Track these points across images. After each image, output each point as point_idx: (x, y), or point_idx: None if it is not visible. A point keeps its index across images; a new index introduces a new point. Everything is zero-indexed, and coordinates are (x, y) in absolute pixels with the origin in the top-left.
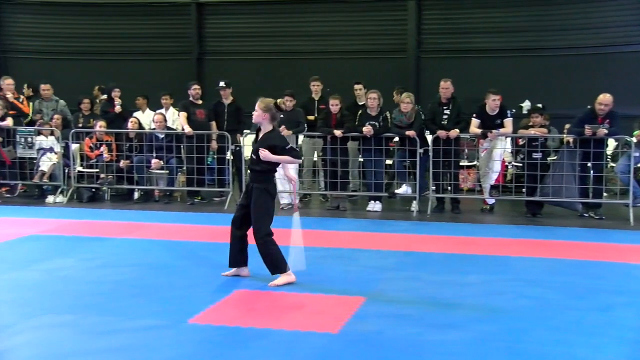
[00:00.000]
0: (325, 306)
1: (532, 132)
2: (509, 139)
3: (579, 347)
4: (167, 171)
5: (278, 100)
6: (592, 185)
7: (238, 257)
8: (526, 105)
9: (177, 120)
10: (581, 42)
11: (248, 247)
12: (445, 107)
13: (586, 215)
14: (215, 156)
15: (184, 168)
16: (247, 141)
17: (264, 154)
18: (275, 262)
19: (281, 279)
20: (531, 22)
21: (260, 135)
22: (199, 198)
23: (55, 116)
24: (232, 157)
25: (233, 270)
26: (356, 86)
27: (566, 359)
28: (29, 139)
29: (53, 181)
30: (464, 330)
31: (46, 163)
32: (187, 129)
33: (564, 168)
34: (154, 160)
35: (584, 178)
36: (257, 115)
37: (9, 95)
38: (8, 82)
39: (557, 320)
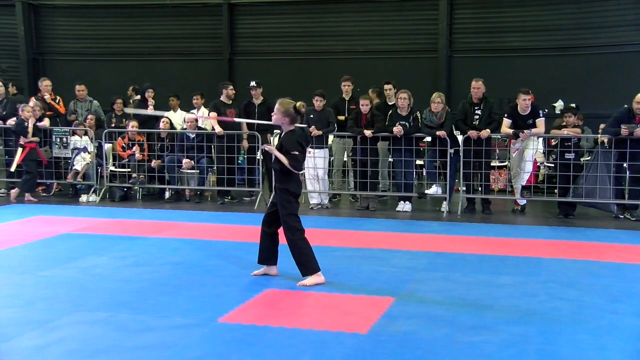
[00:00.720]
0: (354, 306)
1: (565, 132)
2: (541, 139)
3: (615, 351)
4: (198, 171)
5: (297, 104)
6: (628, 187)
7: (266, 254)
8: (559, 105)
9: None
10: (617, 39)
11: (279, 247)
12: (476, 107)
13: (622, 216)
14: (246, 156)
15: (215, 168)
16: (277, 141)
17: (268, 147)
18: (305, 263)
19: (310, 279)
20: (565, 21)
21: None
22: (229, 198)
23: (89, 116)
24: (262, 157)
25: (262, 270)
26: (386, 86)
27: None
28: (64, 139)
29: (86, 180)
30: (496, 331)
31: (80, 163)
32: (218, 129)
33: (598, 169)
34: (185, 160)
35: (620, 179)
36: (277, 118)
37: (47, 97)
38: (46, 84)
39: (593, 324)
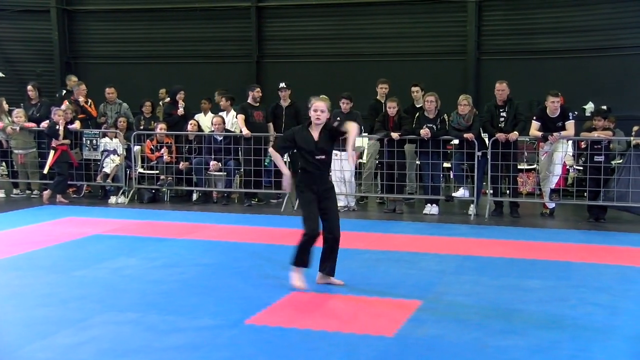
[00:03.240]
0: (381, 309)
1: (595, 134)
2: (570, 142)
3: None
4: (225, 173)
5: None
6: None
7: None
8: (589, 107)
9: (236, 122)
10: None
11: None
12: (501, 110)
13: None
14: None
15: (242, 170)
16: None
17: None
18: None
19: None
20: (595, 22)
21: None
22: (256, 200)
23: (121, 119)
24: (289, 159)
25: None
26: (413, 88)
27: None
28: (94, 142)
29: (115, 182)
30: (526, 336)
31: (109, 165)
32: (245, 131)
33: (631, 172)
34: (212, 162)
35: None
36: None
37: (81, 99)
38: (82, 88)
39: (629, 330)
